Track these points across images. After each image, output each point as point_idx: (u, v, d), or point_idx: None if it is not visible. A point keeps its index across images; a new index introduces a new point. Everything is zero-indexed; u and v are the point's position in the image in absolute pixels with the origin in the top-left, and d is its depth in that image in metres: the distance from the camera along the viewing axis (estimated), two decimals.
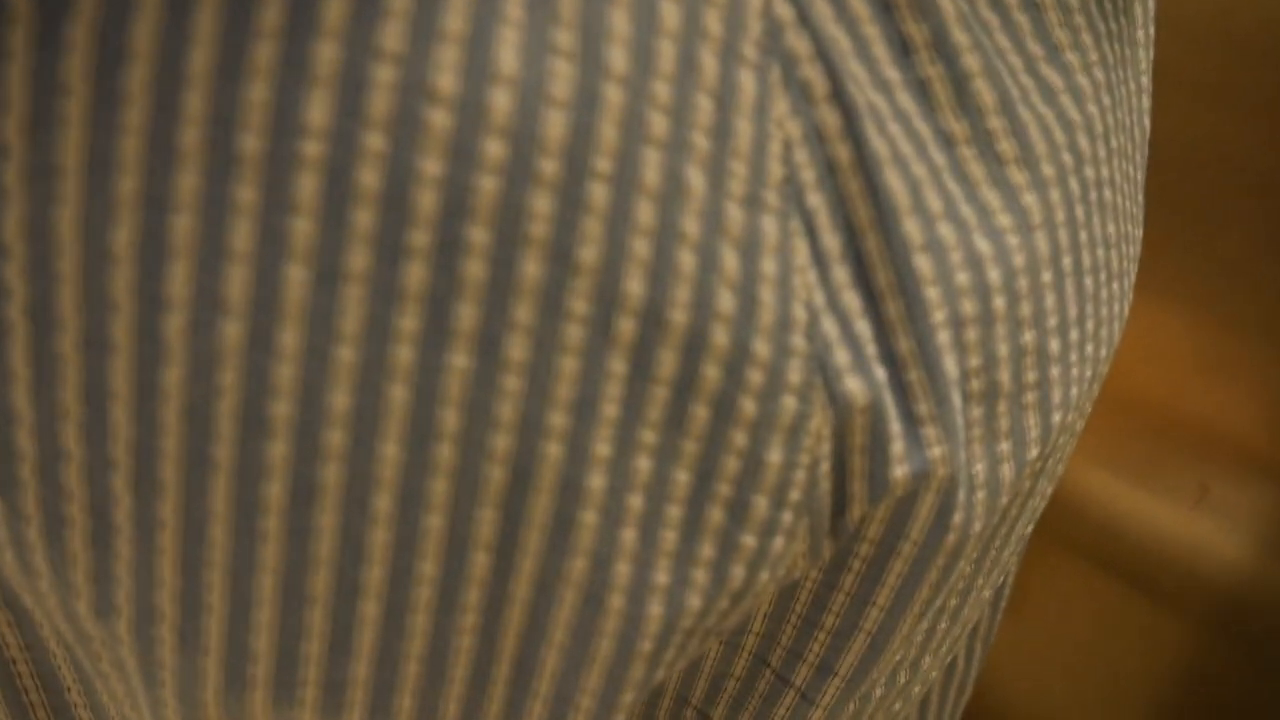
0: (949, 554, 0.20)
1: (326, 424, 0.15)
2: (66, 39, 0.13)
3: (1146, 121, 0.24)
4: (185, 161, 0.14)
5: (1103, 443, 0.54)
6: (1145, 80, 0.24)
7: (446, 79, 0.14)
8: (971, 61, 0.18)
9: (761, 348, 0.16)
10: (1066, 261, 0.20)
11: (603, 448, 0.16)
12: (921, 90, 0.17)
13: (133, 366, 0.15)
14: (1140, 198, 0.24)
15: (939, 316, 0.18)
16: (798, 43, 0.16)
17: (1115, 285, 0.22)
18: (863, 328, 0.17)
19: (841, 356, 0.17)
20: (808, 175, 0.16)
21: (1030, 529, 0.27)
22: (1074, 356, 0.20)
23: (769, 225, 0.16)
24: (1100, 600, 0.55)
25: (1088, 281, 0.20)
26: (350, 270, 0.14)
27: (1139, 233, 0.24)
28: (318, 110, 0.14)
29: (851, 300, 0.17)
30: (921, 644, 0.24)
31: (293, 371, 0.15)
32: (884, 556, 0.21)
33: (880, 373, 0.17)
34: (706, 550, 0.17)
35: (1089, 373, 0.21)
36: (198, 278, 0.14)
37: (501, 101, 0.14)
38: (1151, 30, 0.24)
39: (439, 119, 0.14)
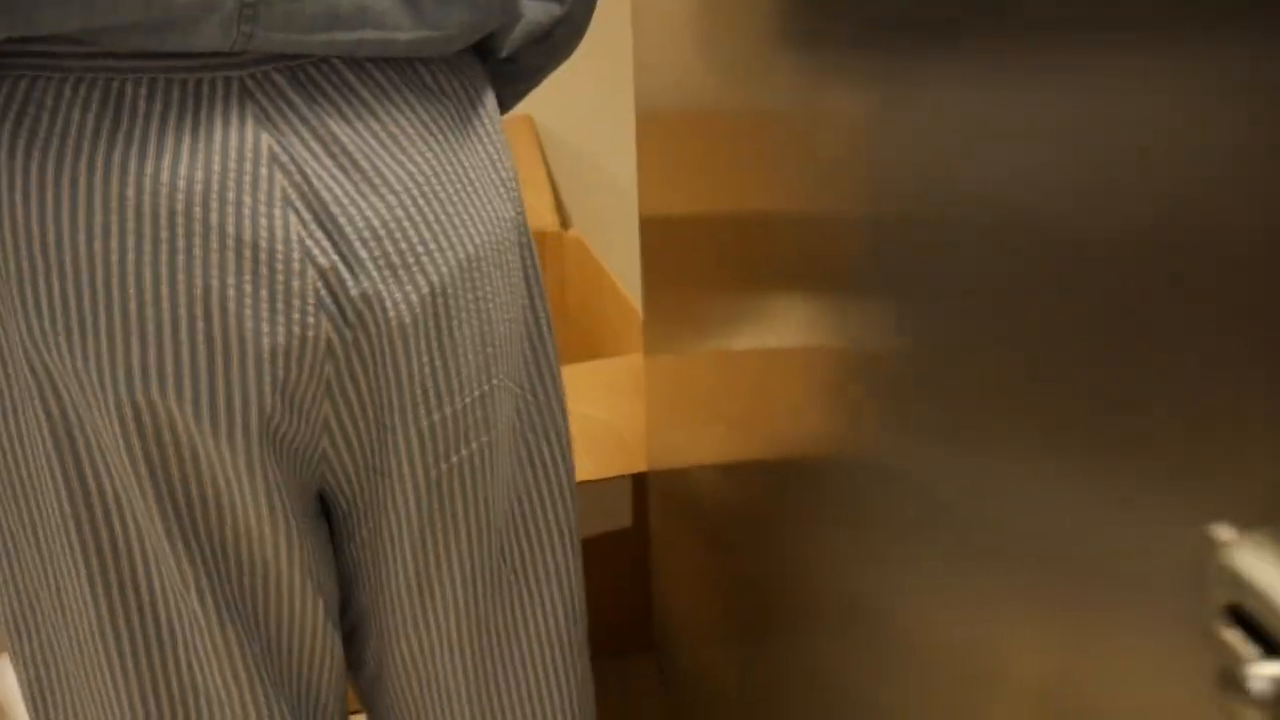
0: (400, 331, 0.54)
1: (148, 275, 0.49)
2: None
3: (490, 172, 0.58)
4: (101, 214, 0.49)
5: None
6: (487, 161, 0.59)
7: (166, 179, 0.49)
8: (360, 158, 0.53)
9: (281, 250, 0.51)
10: (417, 217, 0.54)
11: (249, 281, 0.50)
12: (340, 167, 0.53)
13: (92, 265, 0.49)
14: (477, 199, 0.57)
15: (354, 238, 0.53)
16: (290, 166, 0.52)
17: (451, 234, 0.56)
18: (327, 245, 0.52)
19: (318, 253, 0.52)
20: (298, 202, 0.52)
21: (485, 354, 0.60)
22: (428, 257, 0.55)
23: (286, 216, 0.51)
24: None
25: (425, 228, 0.55)
26: (160, 237, 0.49)
27: (483, 210, 0.57)
28: (132, 193, 0.49)
29: (321, 236, 0.52)
30: (435, 392, 0.57)
31: (135, 257, 0.49)
32: (376, 334, 0.54)
33: (335, 257, 0.52)
34: (280, 319, 0.51)
35: (444, 267, 0.56)
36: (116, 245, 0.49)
37: (188, 192, 0.49)
38: (493, 128, 0.59)
39: (158, 195, 0.49)
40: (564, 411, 0.67)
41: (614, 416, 1.15)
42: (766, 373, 0.68)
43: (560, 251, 1.59)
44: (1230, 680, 0.19)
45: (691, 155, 0.78)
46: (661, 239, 0.88)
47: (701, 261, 0.78)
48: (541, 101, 1.81)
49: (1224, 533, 0.21)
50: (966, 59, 0.39)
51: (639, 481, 1.11)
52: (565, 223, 1.81)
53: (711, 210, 0.75)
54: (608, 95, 1.64)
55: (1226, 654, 0.20)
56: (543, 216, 1.59)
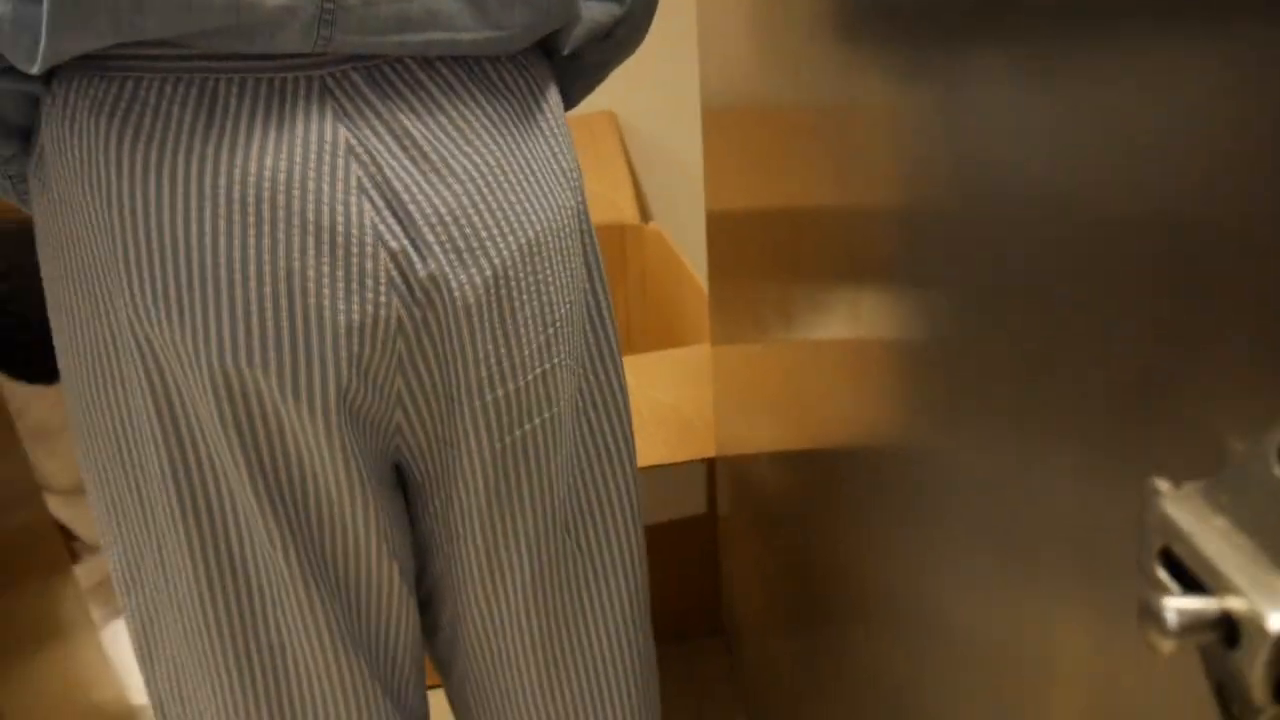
0: (465, 310, 0.58)
1: (239, 260, 0.54)
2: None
3: (552, 163, 0.62)
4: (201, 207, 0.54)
5: None
6: (549, 153, 0.62)
7: (254, 170, 0.54)
8: (430, 150, 0.57)
9: (356, 234, 0.55)
10: (481, 205, 0.58)
11: (326, 263, 0.55)
12: (411, 158, 0.57)
13: (195, 247, 0.54)
14: (539, 188, 0.61)
15: (422, 223, 0.56)
16: (365, 157, 0.56)
17: (514, 220, 0.60)
18: (397, 229, 0.56)
19: (389, 237, 0.56)
20: (371, 190, 0.56)
21: (546, 335, 0.63)
22: (491, 242, 0.59)
23: (360, 203, 0.55)
24: None
25: (489, 215, 0.59)
26: (248, 222, 0.54)
27: (545, 199, 0.61)
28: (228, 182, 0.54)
29: (392, 222, 0.56)
30: (499, 369, 0.61)
31: (225, 235, 0.54)
32: (443, 313, 0.58)
33: (405, 241, 0.56)
34: (355, 298, 0.55)
35: (505, 251, 0.59)
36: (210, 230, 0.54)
37: (273, 181, 0.54)
38: (556, 122, 0.63)
39: (246, 184, 0.54)
40: (624, 390, 0.71)
41: (685, 403, 1.18)
42: (825, 363, 0.70)
43: (641, 244, 1.62)
44: (1147, 612, 0.21)
45: (753, 151, 0.80)
46: (726, 233, 0.90)
47: (762, 254, 0.80)
48: (624, 98, 1.84)
49: (1161, 484, 0.23)
50: (1015, 54, 0.40)
51: (710, 468, 1.14)
52: (646, 216, 1.84)
53: (771, 204, 0.77)
54: (689, 92, 1.67)
55: (1158, 591, 0.22)
56: (624, 210, 1.62)
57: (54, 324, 0.62)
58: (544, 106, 0.63)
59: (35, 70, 0.51)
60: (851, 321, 0.63)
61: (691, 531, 1.20)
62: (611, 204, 1.62)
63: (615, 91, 1.62)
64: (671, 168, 1.84)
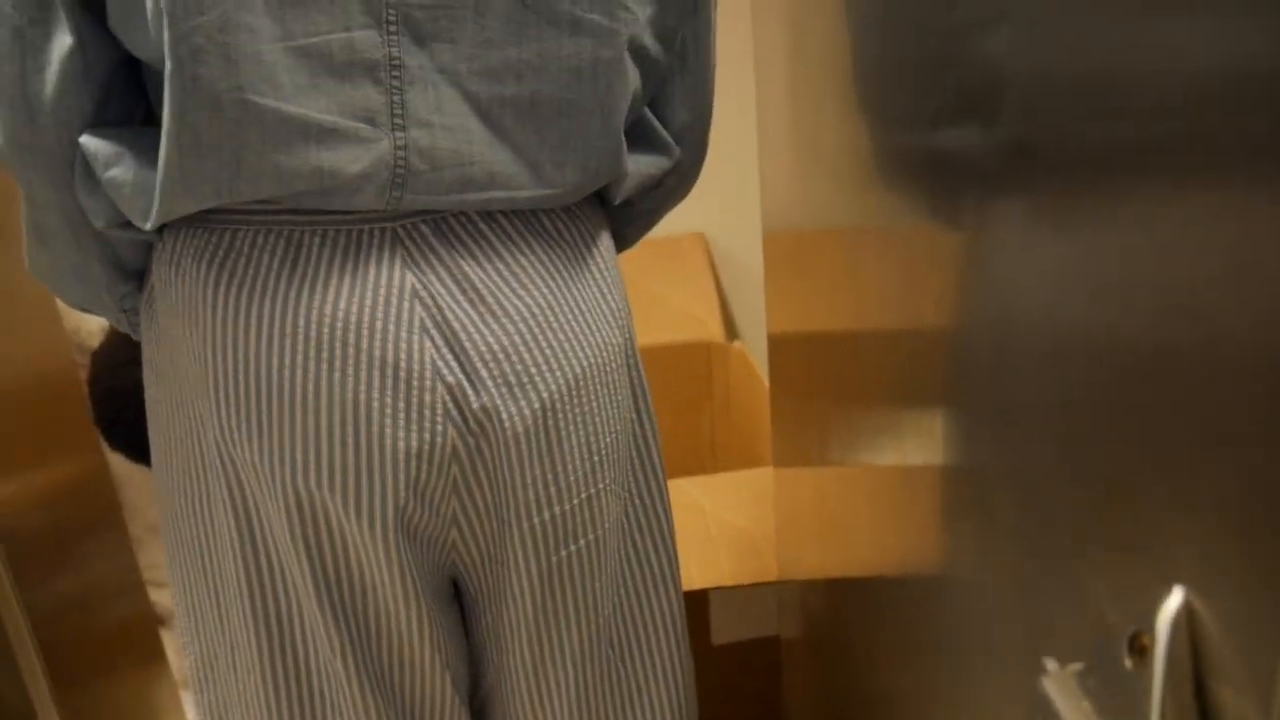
0: (515, 439, 0.62)
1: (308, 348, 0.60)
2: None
3: (601, 304, 0.67)
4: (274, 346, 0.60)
5: None
6: (598, 295, 0.67)
7: (329, 312, 0.60)
8: (486, 293, 0.62)
9: (417, 369, 0.60)
10: (531, 343, 0.63)
11: (389, 395, 0.60)
12: (470, 300, 0.62)
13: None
14: (587, 328, 0.66)
15: (477, 359, 0.62)
16: (429, 300, 0.61)
17: (562, 357, 0.65)
18: (454, 365, 0.61)
19: (446, 371, 0.61)
20: (432, 330, 0.61)
21: (591, 462, 0.67)
22: (540, 377, 0.64)
23: (422, 341, 0.61)
24: None
25: (539, 352, 0.64)
26: (322, 358, 0.59)
27: (592, 337, 0.66)
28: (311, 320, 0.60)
29: (450, 358, 0.61)
30: (546, 493, 0.65)
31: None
32: (495, 441, 0.63)
33: (461, 376, 0.61)
34: (414, 427, 0.60)
35: (554, 384, 0.64)
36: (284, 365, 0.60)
37: (345, 321, 0.60)
38: (607, 265, 0.68)
39: (322, 325, 0.60)
40: (668, 513, 0.73)
41: (754, 524, 1.19)
42: (875, 488, 0.71)
43: (726, 362, 1.66)
44: None
45: (808, 277, 0.83)
46: (785, 355, 0.93)
47: (815, 378, 0.83)
48: (713, 219, 1.90)
49: (1049, 663, 0.25)
50: (1038, 199, 0.42)
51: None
52: (733, 335, 1.88)
53: (823, 329, 0.80)
54: None
55: None
56: (710, 328, 1.66)
57: (152, 442, 0.68)
58: (595, 251, 0.68)
59: (149, 226, 0.58)
60: (897, 448, 0.65)
61: (761, 652, 1.20)
62: (698, 322, 1.67)
63: (705, 213, 1.67)
64: (759, 288, 1.88)
